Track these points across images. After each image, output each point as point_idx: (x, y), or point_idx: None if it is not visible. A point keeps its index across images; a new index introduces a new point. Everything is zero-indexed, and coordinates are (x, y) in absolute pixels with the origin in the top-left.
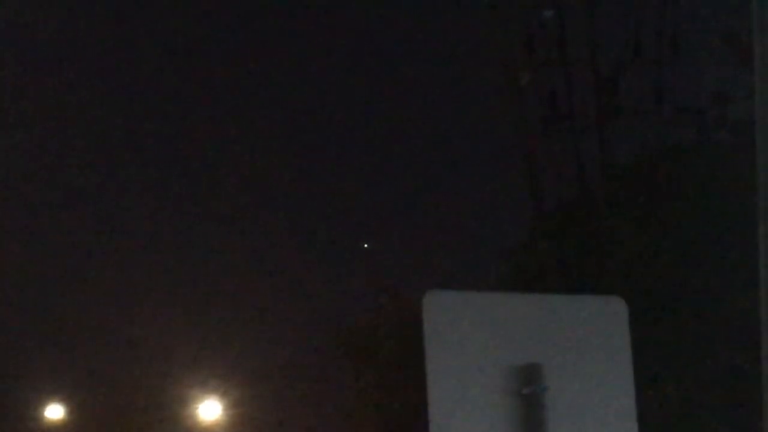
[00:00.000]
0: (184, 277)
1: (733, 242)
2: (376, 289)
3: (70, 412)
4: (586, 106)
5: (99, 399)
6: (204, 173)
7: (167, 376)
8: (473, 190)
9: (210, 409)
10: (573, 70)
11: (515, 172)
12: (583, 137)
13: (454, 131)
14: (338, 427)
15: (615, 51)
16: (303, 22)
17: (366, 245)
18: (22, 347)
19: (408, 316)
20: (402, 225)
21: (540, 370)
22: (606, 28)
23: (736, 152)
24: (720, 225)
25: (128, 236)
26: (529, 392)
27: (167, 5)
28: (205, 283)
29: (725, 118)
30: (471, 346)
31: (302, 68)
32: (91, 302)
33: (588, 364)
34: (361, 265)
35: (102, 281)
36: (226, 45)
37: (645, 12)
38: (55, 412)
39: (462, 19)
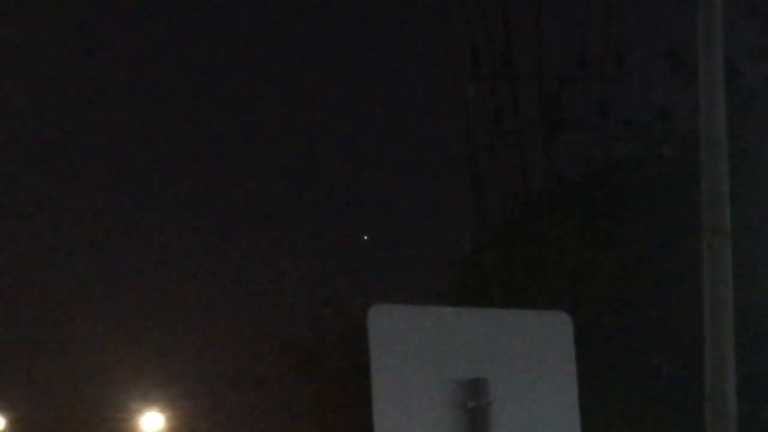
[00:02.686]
0: (127, 288)
1: (678, 256)
2: (321, 301)
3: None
4: (532, 119)
5: (40, 410)
6: (146, 191)
7: (109, 387)
8: (418, 202)
9: (152, 421)
10: (519, 84)
11: (461, 184)
12: (528, 151)
13: (399, 143)
14: None
15: (560, 66)
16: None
17: (365, 237)
18: None
19: (352, 329)
20: (347, 237)
21: (485, 385)
22: (552, 43)
23: (679, 167)
24: (665, 239)
25: (69, 248)
26: (474, 406)
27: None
28: (148, 294)
29: (669, 133)
30: (416, 359)
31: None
32: (32, 313)
33: (533, 378)
34: (305, 277)
35: (42, 293)
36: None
37: (590, 28)
38: None
39: (409, 31)
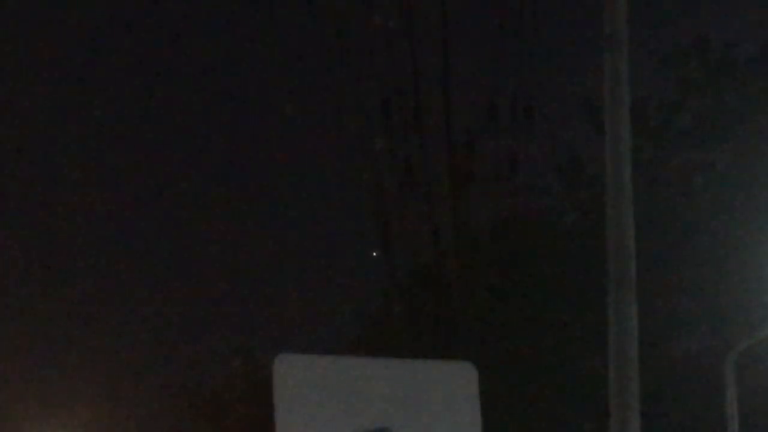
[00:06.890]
0: (33, 337)
1: (586, 308)
2: (229, 351)
3: None
4: (441, 172)
5: None
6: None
7: None
8: (328, 253)
9: None
10: (428, 136)
11: (370, 237)
12: (437, 204)
13: (309, 195)
14: None
15: (470, 118)
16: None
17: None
18: None
19: (261, 379)
20: (257, 287)
21: None
22: (461, 97)
23: (589, 219)
24: (573, 291)
25: None
26: None
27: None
28: (53, 342)
29: (581, 184)
30: (321, 409)
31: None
32: None
33: (438, 428)
34: (214, 327)
35: None
36: None
37: (501, 80)
38: None
39: (318, 84)
